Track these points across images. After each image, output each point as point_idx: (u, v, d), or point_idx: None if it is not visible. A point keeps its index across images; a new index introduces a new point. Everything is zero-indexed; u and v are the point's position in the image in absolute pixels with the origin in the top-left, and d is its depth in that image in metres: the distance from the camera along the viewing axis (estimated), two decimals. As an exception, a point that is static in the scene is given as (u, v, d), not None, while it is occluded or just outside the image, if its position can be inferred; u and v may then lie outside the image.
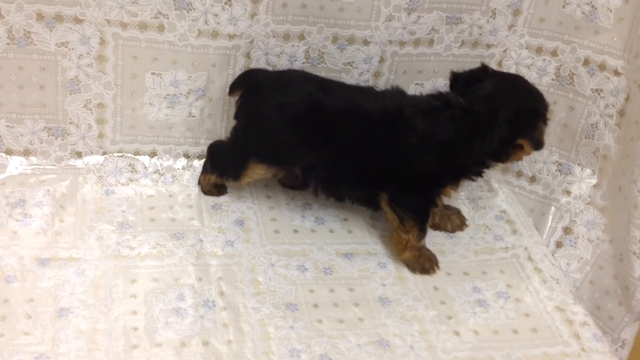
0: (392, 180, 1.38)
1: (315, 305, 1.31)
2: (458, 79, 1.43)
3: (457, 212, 1.55)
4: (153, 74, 1.46)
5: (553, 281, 1.43)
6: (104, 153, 1.51)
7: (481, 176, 1.44)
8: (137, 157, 1.53)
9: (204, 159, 1.53)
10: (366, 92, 1.44)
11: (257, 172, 1.45)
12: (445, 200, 1.55)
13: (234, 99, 1.48)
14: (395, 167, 1.37)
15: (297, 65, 1.51)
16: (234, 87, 1.48)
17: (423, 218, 1.41)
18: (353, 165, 1.40)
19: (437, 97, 1.39)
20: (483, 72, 1.41)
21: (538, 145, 1.39)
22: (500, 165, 1.55)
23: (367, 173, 1.40)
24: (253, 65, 1.49)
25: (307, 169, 1.43)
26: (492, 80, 1.39)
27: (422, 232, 1.41)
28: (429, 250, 1.45)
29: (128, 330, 1.20)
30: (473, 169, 1.41)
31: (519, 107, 1.35)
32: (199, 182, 1.53)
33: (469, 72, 1.43)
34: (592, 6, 1.48)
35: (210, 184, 1.51)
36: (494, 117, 1.33)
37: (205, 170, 1.52)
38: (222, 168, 1.48)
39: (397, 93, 1.43)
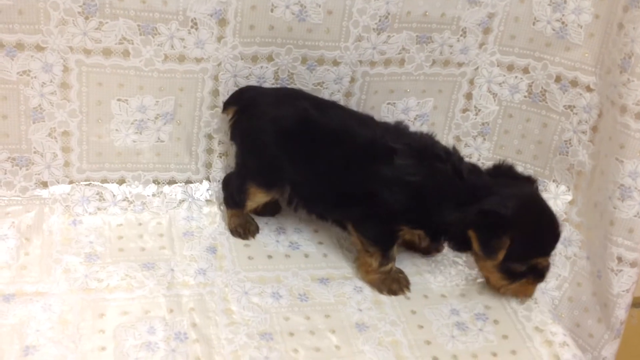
0: (357, 207, 1.37)
1: (291, 334, 1.27)
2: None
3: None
4: (119, 100, 1.43)
5: (531, 300, 1.41)
6: (71, 182, 1.47)
7: (438, 240, 1.40)
8: (104, 185, 1.49)
9: (173, 185, 1.52)
10: (361, 120, 1.42)
11: (259, 196, 1.44)
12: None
13: (226, 117, 1.46)
14: (364, 195, 1.35)
15: (266, 87, 1.48)
16: (227, 105, 1.46)
17: (384, 246, 1.38)
18: (331, 186, 1.38)
19: (444, 149, 1.37)
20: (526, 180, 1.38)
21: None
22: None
23: (341, 196, 1.38)
24: (221, 88, 1.47)
25: (294, 186, 1.42)
26: (511, 183, 1.35)
27: (386, 259, 1.39)
28: (400, 272, 1.42)
29: (97, 368, 1.16)
30: (432, 226, 1.35)
31: (499, 209, 1.28)
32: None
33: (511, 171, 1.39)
34: (563, 23, 1.47)
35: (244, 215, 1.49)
36: (471, 198, 1.30)
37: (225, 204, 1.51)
38: (228, 198, 1.48)
39: (395, 129, 1.41)
